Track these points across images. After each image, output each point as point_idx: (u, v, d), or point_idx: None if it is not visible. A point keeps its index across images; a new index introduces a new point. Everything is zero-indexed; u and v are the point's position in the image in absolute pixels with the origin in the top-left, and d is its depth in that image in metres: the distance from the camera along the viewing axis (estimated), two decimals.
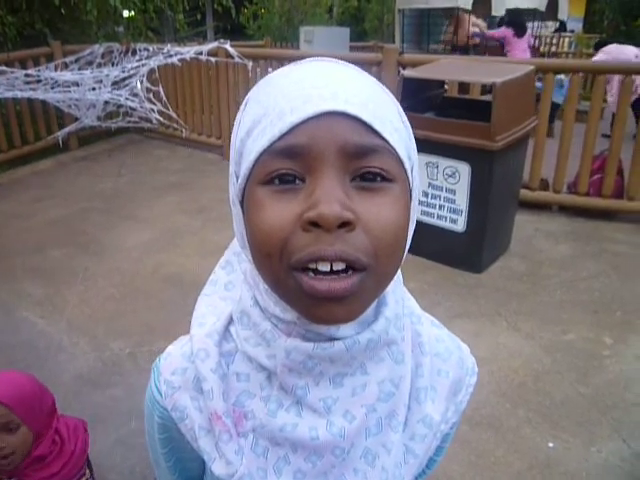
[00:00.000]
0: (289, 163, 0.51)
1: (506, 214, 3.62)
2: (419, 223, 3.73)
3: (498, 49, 9.23)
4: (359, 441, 0.64)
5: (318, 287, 0.51)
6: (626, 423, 2.33)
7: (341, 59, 0.61)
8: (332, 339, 0.59)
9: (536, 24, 11.59)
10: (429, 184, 3.47)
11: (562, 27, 12.65)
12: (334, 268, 0.51)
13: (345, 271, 0.51)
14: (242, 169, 0.55)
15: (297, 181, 0.52)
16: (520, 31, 8.41)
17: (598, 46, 8.07)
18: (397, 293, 0.65)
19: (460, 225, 3.43)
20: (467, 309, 3.15)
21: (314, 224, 0.50)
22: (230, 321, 0.67)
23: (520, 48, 8.47)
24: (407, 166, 0.56)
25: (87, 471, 1.71)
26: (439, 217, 3.49)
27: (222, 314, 0.68)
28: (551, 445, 2.24)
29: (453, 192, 3.38)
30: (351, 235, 0.50)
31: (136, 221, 4.46)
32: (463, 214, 3.39)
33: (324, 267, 0.51)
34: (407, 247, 0.58)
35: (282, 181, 0.52)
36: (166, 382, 0.68)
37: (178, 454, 0.75)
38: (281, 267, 0.52)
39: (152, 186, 5.25)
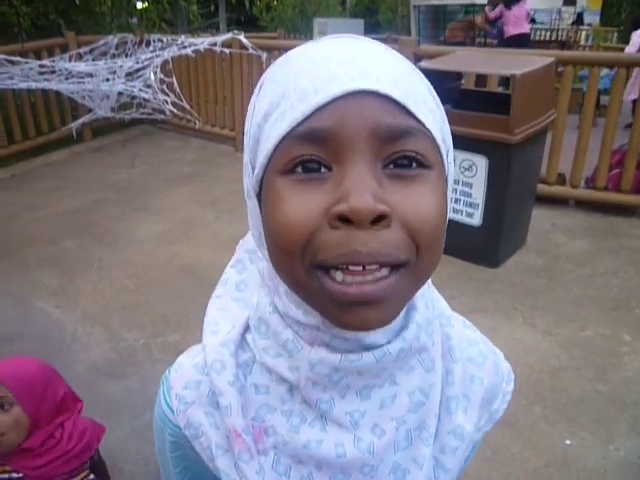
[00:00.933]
0: (313, 149, 0.46)
1: (523, 208, 3.58)
2: None
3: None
4: (388, 456, 0.60)
5: (347, 291, 0.46)
6: None
7: None
8: (360, 347, 0.54)
9: (553, 16, 11.49)
10: None
11: (579, 20, 12.53)
12: (367, 268, 0.46)
13: (379, 268, 0.46)
14: (259, 158, 0.50)
15: (323, 169, 0.47)
16: (508, 1, 8.24)
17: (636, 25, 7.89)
18: (426, 295, 0.60)
19: (476, 219, 3.39)
20: (483, 304, 3.12)
21: (344, 219, 0.44)
22: (246, 328, 0.62)
23: (511, 22, 8.32)
24: (443, 150, 0.52)
25: (87, 473, 1.67)
26: (455, 211, 3.46)
27: (237, 319, 0.63)
28: (568, 442, 2.21)
29: (470, 186, 3.35)
30: (387, 231, 0.45)
31: (149, 212, 4.47)
32: (479, 208, 3.35)
33: (356, 268, 0.46)
34: (443, 245, 0.52)
35: (306, 169, 0.47)
36: (178, 397, 0.62)
37: (192, 472, 0.70)
38: (303, 266, 0.47)
39: (165, 177, 5.25)
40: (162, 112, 6.09)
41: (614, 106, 3.99)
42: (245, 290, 0.68)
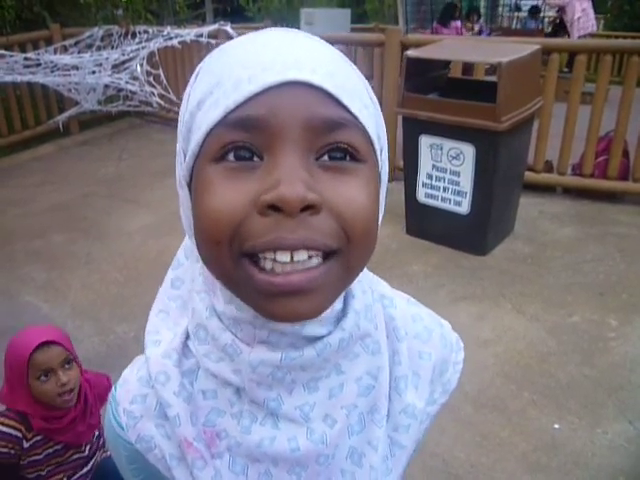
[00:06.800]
0: (245, 136, 0.46)
1: (510, 196, 3.59)
2: (423, 206, 3.64)
3: None
4: (343, 441, 0.61)
5: (274, 281, 0.46)
6: (632, 405, 2.33)
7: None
8: (300, 339, 0.54)
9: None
10: (433, 166, 3.44)
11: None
12: (295, 258, 0.46)
13: (309, 259, 0.46)
14: (191, 145, 0.49)
15: (255, 158, 0.47)
16: (443, 19, 8.36)
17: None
18: (364, 282, 0.61)
19: (464, 207, 3.40)
20: (471, 291, 3.14)
21: (274, 207, 0.44)
22: (188, 335, 0.61)
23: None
24: (377, 147, 0.52)
25: None
26: (443, 199, 3.47)
27: (177, 326, 0.63)
28: (556, 426, 2.24)
29: (457, 174, 3.36)
30: (316, 219, 0.45)
31: (138, 205, 4.45)
32: (467, 196, 3.37)
33: (283, 257, 0.45)
34: (376, 239, 0.52)
35: (237, 157, 0.47)
36: (126, 412, 0.62)
37: None
38: (230, 255, 0.47)
39: (154, 170, 5.21)
40: (149, 104, 6.04)
41: (600, 93, 4.00)
42: (181, 287, 0.67)
